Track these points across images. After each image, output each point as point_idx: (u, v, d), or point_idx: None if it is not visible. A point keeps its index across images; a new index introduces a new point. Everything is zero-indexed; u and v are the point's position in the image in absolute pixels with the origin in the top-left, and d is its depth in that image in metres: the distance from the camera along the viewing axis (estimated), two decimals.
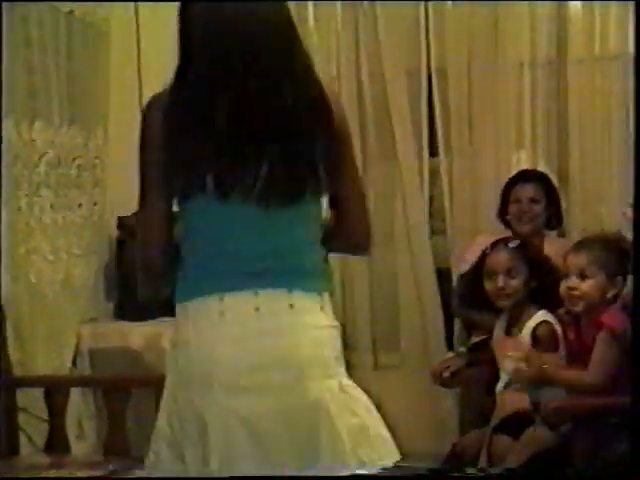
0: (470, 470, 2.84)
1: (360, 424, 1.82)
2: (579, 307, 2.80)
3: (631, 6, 3.22)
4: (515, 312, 3.12)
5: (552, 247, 3.53)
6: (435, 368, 3.41)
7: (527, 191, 3.71)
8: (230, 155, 1.75)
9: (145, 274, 1.85)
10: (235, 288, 1.77)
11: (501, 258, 3.12)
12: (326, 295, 1.86)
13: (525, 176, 3.81)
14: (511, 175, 3.86)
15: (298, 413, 1.77)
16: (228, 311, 1.77)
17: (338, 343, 1.86)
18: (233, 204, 1.76)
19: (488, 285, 3.13)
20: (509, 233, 3.68)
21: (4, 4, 2.98)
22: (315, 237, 1.87)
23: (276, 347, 1.77)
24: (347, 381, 1.85)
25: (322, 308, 1.83)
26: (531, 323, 3.03)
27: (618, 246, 2.80)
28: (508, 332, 3.13)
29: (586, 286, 2.77)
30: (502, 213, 3.78)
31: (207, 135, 1.76)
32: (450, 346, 4.02)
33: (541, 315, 3.03)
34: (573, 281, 2.78)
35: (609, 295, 2.78)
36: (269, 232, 1.80)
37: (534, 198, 3.70)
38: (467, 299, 3.45)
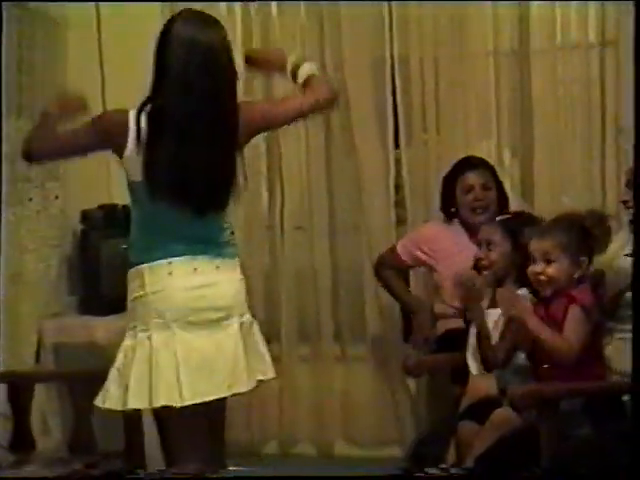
0: (431, 470, 2.84)
1: (259, 348, 2.60)
2: (547, 291, 2.82)
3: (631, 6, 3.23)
4: (497, 283, 3.11)
5: None
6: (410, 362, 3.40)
7: (479, 178, 3.59)
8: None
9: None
10: (179, 255, 2.48)
11: (485, 230, 3.14)
12: (237, 259, 2.61)
13: (471, 163, 3.67)
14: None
15: (225, 341, 2.48)
16: (175, 270, 2.48)
17: (245, 290, 2.60)
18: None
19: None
20: (455, 222, 3.63)
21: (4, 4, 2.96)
22: (228, 220, 2.61)
23: (210, 295, 2.49)
24: (250, 317, 2.59)
25: (235, 268, 2.58)
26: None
27: (580, 227, 2.82)
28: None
29: (552, 270, 2.79)
30: (447, 205, 3.67)
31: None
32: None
33: (520, 291, 3.03)
34: (539, 266, 2.80)
35: (575, 276, 2.80)
36: (201, 223, 2.52)
37: (486, 184, 3.60)
38: None
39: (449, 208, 3.67)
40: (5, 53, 3.00)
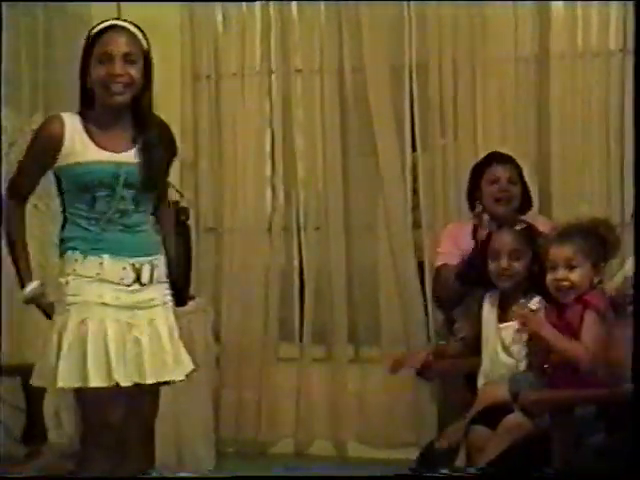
0: (443, 470, 2.84)
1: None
2: (569, 297, 2.81)
3: (630, 6, 3.24)
4: (511, 296, 3.13)
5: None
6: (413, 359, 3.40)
7: (505, 171, 3.63)
8: None
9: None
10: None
11: (506, 239, 3.17)
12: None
13: (500, 157, 3.71)
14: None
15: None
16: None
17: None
18: None
19: (491, 265, 3.16)
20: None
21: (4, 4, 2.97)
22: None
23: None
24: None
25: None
26: (533, 302, 3.05)
27: (598, 233, 2.82)
28: (499, 314, 3.15)
29: (575, 276, 2.79)
30: (472, 195, 3.71)
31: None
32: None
33: (536, 302, 3.05)
34: (562, 272, 2.79)
35: (595, 282, 2.80)
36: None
37: (511, 179, 3.64)
38: (469, 279, 3.41)
39: (474, 198, 3.69)
40: (6, 48, 3.00)
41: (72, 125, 2.57)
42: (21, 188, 2.67)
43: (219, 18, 4.38)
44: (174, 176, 3.17)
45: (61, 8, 3.51)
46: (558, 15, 4.08)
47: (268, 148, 4.36)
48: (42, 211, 3.50)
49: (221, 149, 4.38)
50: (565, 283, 2.79)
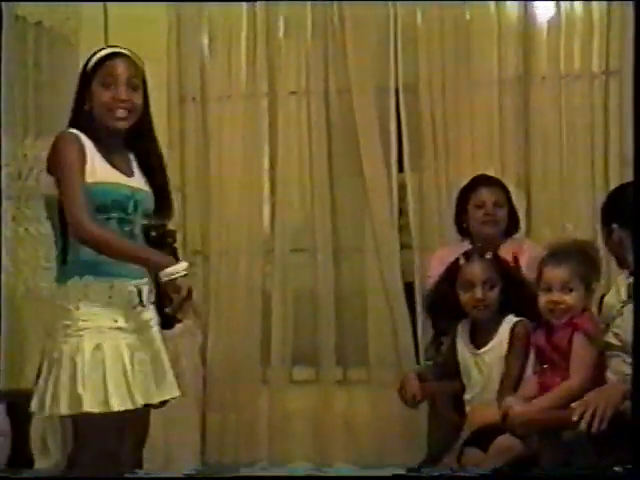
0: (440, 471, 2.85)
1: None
2: (563, 319, 2.82)
3: (630, 6, 3.27)
4: (483, 323, 3.14)
5: (508, 251, 3.50)
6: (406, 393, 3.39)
7: (491, 195, 3.63)
8: None
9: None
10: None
11: (478, 269, 3.14)
12: None
13: (486, 180, 3.72)
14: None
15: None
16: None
17: None
18: None
19: (464, 296, 3.14)
20: (465, 243, 3.63)
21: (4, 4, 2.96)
22: None
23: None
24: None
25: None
26: (506, 325, 3.08)
27: (591, 255, 2.84)
28: (473, 342, 3.15)
29: (570, 299, 2.80)
30: (459, 220, 3.71)
31: None
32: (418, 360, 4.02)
33: (513, 317, 3.07)
34: (557, 295, 2.80)
35: (588, 305, 2.81)
36: None
37: (498, 202, 3.65)
38: (438, 310, 3.43)
39: (461, 223, 3.70)
40: (15, 73, 3.01)
41: (87, 142, 2.55)
42: (86, 205, 2.48)
43: (205, 40, 4.39)
44: None
45: (49, 31, 3.51)
46: (541, 37, 4.12)
47: (255, 171, 4.36)
48: (34, 235, 3.48)
49: (207, 172, 4.38)
50: (561, 306, 2.80)
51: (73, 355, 2.47)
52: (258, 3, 4.28)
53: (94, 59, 2.60)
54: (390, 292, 4.18)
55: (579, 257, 2.83)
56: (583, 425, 2.58)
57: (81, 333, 2.48)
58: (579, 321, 2.77)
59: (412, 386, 3.36)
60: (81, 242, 2.49)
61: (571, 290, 2.79)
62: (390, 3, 4.22)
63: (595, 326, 2.80)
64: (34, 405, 2.55)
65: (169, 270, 2.45)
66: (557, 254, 2.88)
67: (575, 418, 2.61)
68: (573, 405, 2.67)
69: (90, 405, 2.43)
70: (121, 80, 2.57)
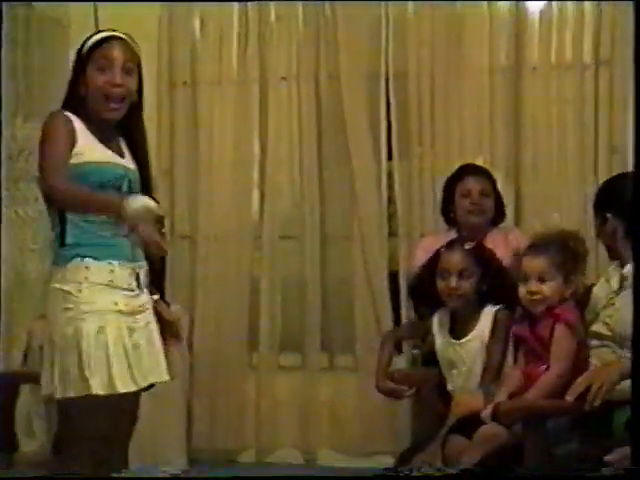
0: (424, 469, 2.85)
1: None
2: (540, 309, 2.84)
3: (630, 6, 3.26)
4: (462, 313, 3.14)
5: (494, 240, 3.51)
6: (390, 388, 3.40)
7: (477, 184, 3.62)
8: None
9: None
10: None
11: (455, 258, 3.14)
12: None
13: (473, 170, 3.71)
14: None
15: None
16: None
17: None
18: None
19: (440, 284, 3.15)
20: (451, 232, 3.63)
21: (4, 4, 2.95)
22: None
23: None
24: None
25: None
26: (487, 314, 3.08)
27: (572, 246, 2.85)
28: (452, 332, 3.16)
29: (547, 289, 2.82)
30: (446, 209, 3.71)
31: None
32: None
33: (492, 307, 3.09)
34: (534, 285, 2.81)
35: (567, 295, 2.82)
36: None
37: (484, 191, 3.63)
38: (419, 297, 3.43)
39: (448, 212, 3.69)
40: (5, 55, 2.99)
41: (79, 123, 2.56)
42: (62, 169, 2.48)
43: (196, 24, 4.38)
44: None
45: (40, 12, 3.49)
46: (533, 27, 4.12)
47: (244, 156, 4.36)
48: (22, 217, 3.47)
49: (197, 156, 4.37)
50: (537, 296, 2.82)
51: (78, 338, 2.48)
52: None
53: (89, 42, 2.59)
54: (377, 279, 4.18)
55: (559, 248, 2.84)
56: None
57: (83, 316, 2.49)
58: (560, 311, 2.79)
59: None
60: (49, 200, 2.50)
61: (547, 280, 2.80)
62: None
63: (576, 316, 2.81)
64: (44, 389, 2.56)
65: (134, 201, 2.43)
66: (537, 245, 2.90)
67: (570, 398, 2.62)
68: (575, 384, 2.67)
69: (97, 387, 2.46)
70: (117, 64, 2.56)
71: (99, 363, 2.48)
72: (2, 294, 3.36)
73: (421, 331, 3.47)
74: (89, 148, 2.54)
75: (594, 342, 2.85)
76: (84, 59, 2.58)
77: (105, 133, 2.60)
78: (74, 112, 2.56)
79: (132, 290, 2.59)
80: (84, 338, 2.48)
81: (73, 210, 2.51)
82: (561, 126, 4.09)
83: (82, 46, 2.60)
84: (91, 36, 2.61)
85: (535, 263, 2.83)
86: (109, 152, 2.59)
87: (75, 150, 2.53)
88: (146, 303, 2.65)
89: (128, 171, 2.62)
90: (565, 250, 2.85)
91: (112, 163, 2.58)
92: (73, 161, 2.53)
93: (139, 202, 2.44)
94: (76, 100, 2.58)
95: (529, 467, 2.68)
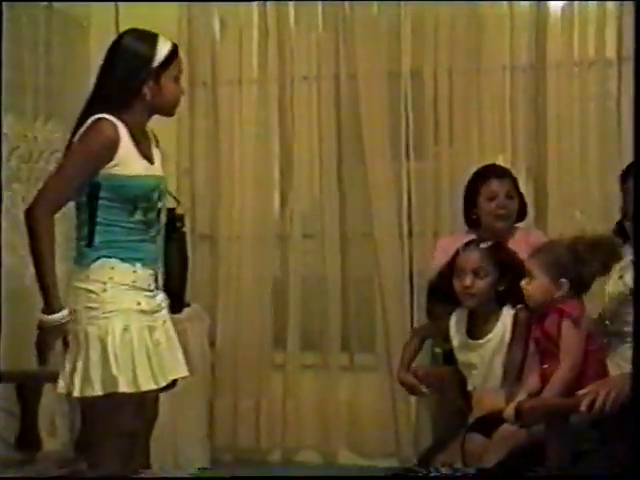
0: (444, 470, 2.84)
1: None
2: (531, 304, 2.89)
3: (630, 6, 3.24)
4: (480, 314, 3.13)
5: (516, 241, 3.48)
6: (410, 382, 3.38)
7: (502, 186, 3.56)
8: None
9: None
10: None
11: (471, 257, 3.12)
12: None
13: (496, 171, 3.63)
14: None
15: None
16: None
17: None
18: None
19: (456, 283, 3.13)
20: (471, 234, 3.56)
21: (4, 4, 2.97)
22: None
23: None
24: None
25: None
26: (507, 314, 3.07)
27: (574, 250, 2.83)
28: (470, 333, 3.14)
29: (531, 287, 2.85)
30: (469, 211, 3.63)
31: None
32: None
33: (511, 307, 3.07)
34: (524, 283, 2.87)
35: (556, 296, 2.81)
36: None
37: (509, 193, 3.57)
38: (439, 297, 3.41)
39: (471, 215, 3.63)
40: (6, 53, 3.01)
41: (124, 132, 2.59)
42: (61, 200, 2.57)
43: (216, 24, 4.39)
44: (171, 183, 3.18)
45: (61, 13, 3.51)
46: (555, 23, 4.09)
47: (264, 155, 4.36)
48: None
49: (217, 156, 4.39)
50: (525, 292, 2.86)
51: (102, 337, 2.55)
52: None
53: (164, 52, 2.63)
54: (397, 278, 4.18)
55: (553, 250, 2.85)
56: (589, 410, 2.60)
57: (108, 315, 2.57)
58: (565, 307, 2.80)
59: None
60: (25, 219, 2.53)
61: (532, 280, 2.82)
62: None
63: (581, 310, 2.81)
64: (61, 387, 2.60)
65: (55, 317, 2.52)
66: (540, 246, 2.91)
67: (583, 408, 2.61)
68: (580, 393, 2.67)
69: (123, 385, 2.53)
70: (180, 75, 2.70)
71: (125, 361, 2.55)
72: (16, 291, 3.41)
73: (446, 330, 3.45)
74: (128, 160, 2.59)
75: (615, 340, 2.83)
76: (158, 69, 2.61)
77: (141, 137, 2.65)
78: (120, 117, 2.58)
79: (151, 290, 2.68)
80: (110, 336, 2.54)
81: (30, 244, 2.55)
82: (583, 123, 4.05)
83: (151, 55, 2.61)
84: (155, 43, 2.63)
85: (529, 263, 2.86)
86: (144, 162, 2.64)
87: (114, 161, 2.57)
88: (162, 302, 2.74)
89: (159, 180, 2.69)
90: (560, 253, 2.84)
91: (145, 176, 2.64)
92: (106, 171, 2.57)
93: (55, 318, 2.52)
94: (126, 105, 2.60)
95: (551, 467, 2.67)
